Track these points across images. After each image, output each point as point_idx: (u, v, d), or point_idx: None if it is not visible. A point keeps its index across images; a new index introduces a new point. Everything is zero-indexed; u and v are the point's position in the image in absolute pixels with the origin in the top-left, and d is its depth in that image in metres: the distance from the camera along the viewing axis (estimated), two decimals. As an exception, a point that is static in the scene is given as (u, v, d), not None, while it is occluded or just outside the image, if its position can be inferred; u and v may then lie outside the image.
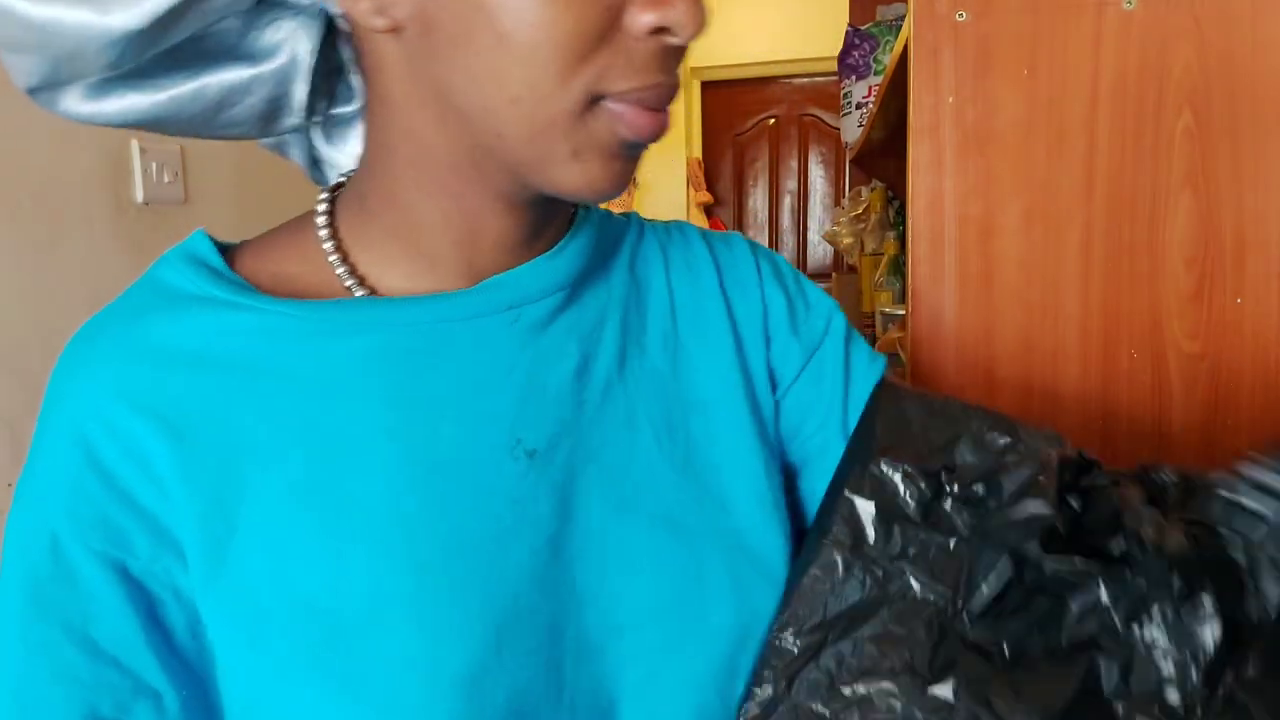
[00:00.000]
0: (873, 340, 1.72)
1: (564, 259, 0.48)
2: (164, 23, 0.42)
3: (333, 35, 0.47)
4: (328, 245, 0.48)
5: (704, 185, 4.75)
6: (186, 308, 0.45)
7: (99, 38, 0.41)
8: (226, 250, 0.50)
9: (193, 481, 0.43)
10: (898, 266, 1.67)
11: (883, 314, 1.59)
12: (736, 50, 4.54)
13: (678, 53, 0.41)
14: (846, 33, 1.73)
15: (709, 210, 4.82)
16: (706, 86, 4.76)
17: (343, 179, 0.51)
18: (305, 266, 0.48)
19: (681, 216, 4.55)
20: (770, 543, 0.50)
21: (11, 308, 1.32)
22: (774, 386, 0.54)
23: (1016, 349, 0.64)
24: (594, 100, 0.40)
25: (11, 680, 0.44)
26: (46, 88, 0.45)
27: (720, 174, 4.90)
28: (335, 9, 0.44)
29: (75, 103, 0.46)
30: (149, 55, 0.44)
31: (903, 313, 1.45)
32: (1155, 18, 0.60)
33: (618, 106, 0.41)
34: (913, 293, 0.65)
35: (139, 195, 1.52)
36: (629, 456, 0.48)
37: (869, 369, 0.55)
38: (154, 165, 1.54)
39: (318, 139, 0.53)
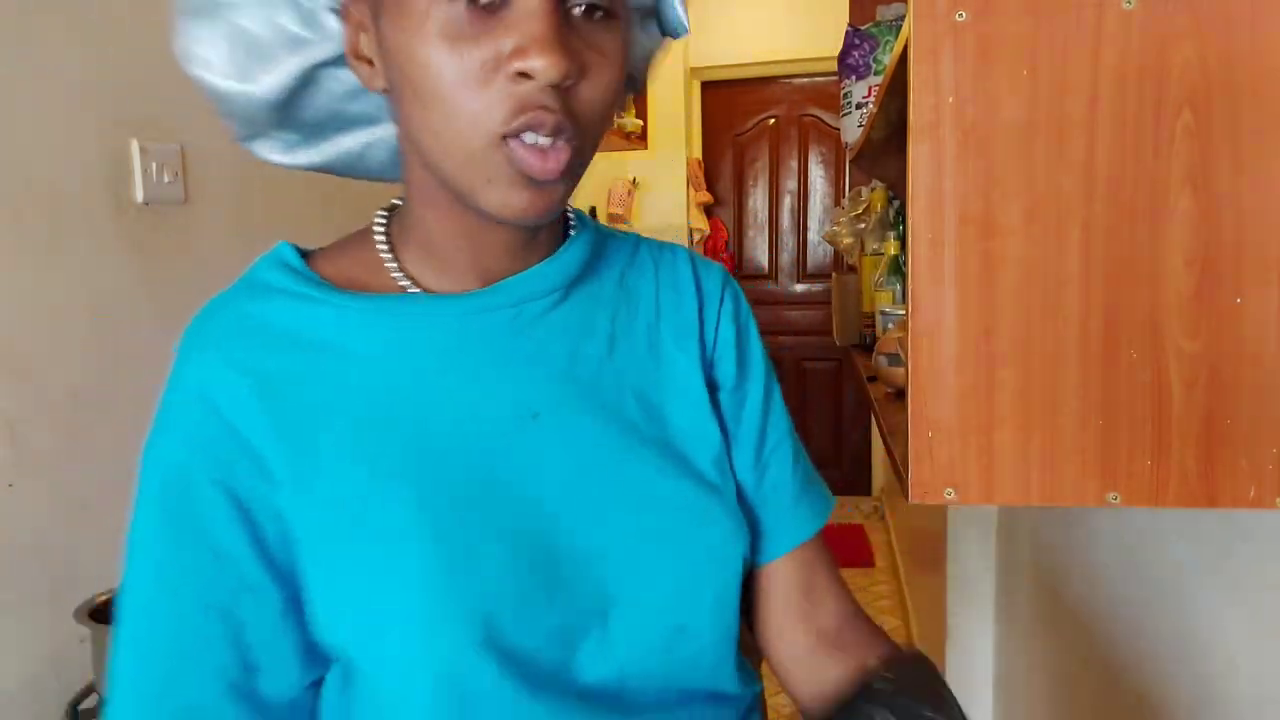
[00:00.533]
0: (873, 340, 1.72)
1: (556, 268, 0.64)
2: (290, 96, 0.61)
3: None
4: (384, 250, 0.64)
5: (704, 185, 4.74)
6: (277, 299, 0.61)
7: (252, 103, 0.60)
8: (306, 255, 0.65)
9: (278, 428, 0.58)
10: (898, 266, 1.67)
11: (883, 314, 1.58)
12: (736, 50, 4.53)
13: (559, 90, 0.52)
14: (846, 33, 1.73)
15: (709, 210, 4.82)
16: (706, 86, 4.76)
17: (397, 201, 0.66)
18: (366, 268, 0.63)
19: (681, 216, 4.55)
20: (728, 489, 0.66)
21: (11, 308, 1.32)
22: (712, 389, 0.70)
23: (1016, 349, 0.64)
24: (502, 139, 0.53)
25: (152, 575, 0.57)
26: (246, 140, 0.65)
27: (720, 174, 4.89)
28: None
29: (273, 154, 0.66)
30: (302, 121, 0.63)
31: (903, 313, 1.45)
32: (1155, 17, 0.60)
33: (514, 144, 0.53)
34: (913, 293, 0.65)
35: (139, 195, 1.52)
36: (619, 416, 0.63)
37: (781, 418, 0.73)
38: (154, 165, 1.54)
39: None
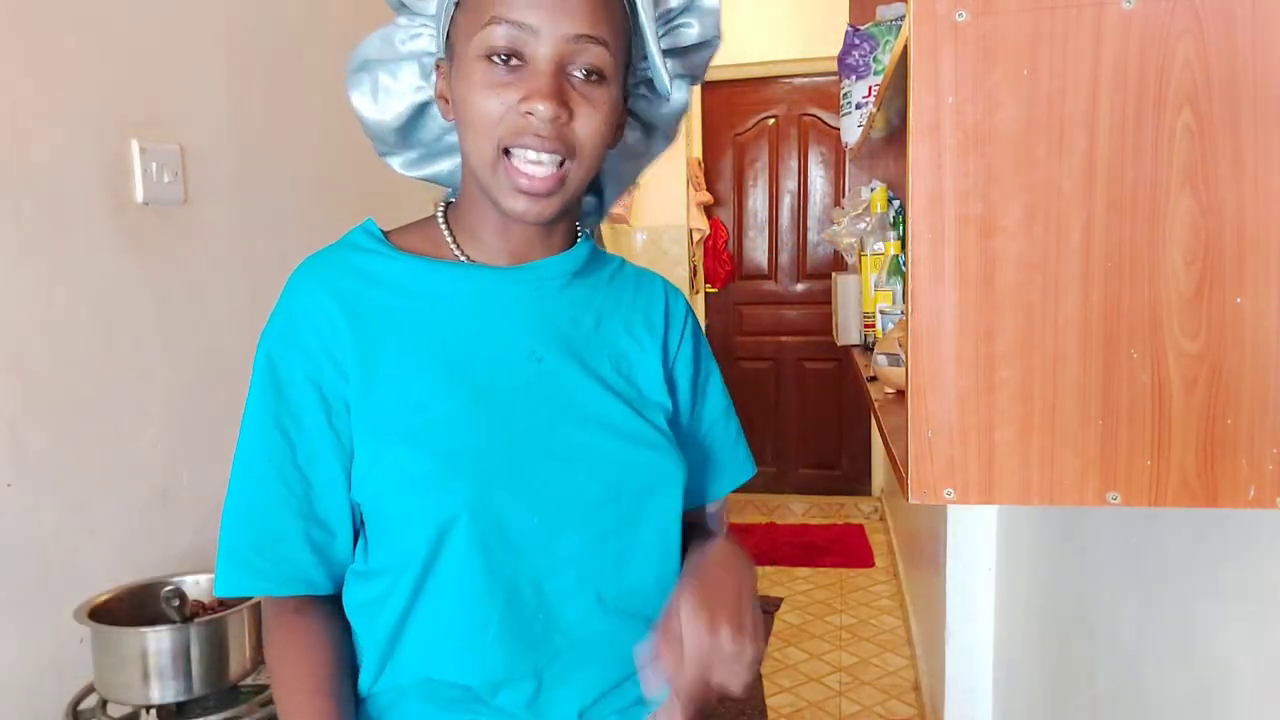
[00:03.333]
0: (873, 340, 1.72)
1: (565, 261, 0.88)
2: (409, 123, 0.89)
3: None
4: (445, 232, 0.88)
5: (704, 185, 4.74)
6: (367, 255, 0.85)
7: (382, 125, 0.89)
8: (385, 233, 0.88)
9: (357, 341, 0.80)
10: (898, 266, 1.67)
11: (883, 314, 1.58)
12: (736, 50, 4.52)
13: (552, 126, 0.76)
14: (846, 33, 1.73)
15: (709, 210, 4.81)
16: (706, 86, 4.75)
17: (448, 200, 0.92)
18: (429, 243, 0.88)
19: (681, 216, 4.55)
20: (671, 438, 0.88)
21: (12, 308, 1.32)
22: (673, 384, 0.95)
23: (1016, 349, 0.64)
24: (504, 152, 0.78)
25: (260, 427, 0.81)
26: (383, 155, 0.93)
27: (720, 174, 4.89)
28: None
29: (399, 167, 0.93)
30: (418, 142, 0.91)
31: (903, 313, 1.45)
32: (1155, 17, 0.60)
33: (511, 161, 0.78)
34: (913, 293, 0.65)
35: (139, 195, 1.52)
36: (596, 371, 0.87)
37: (727, 397, 1.02)
38: (154, 165, 1.54)
39: None
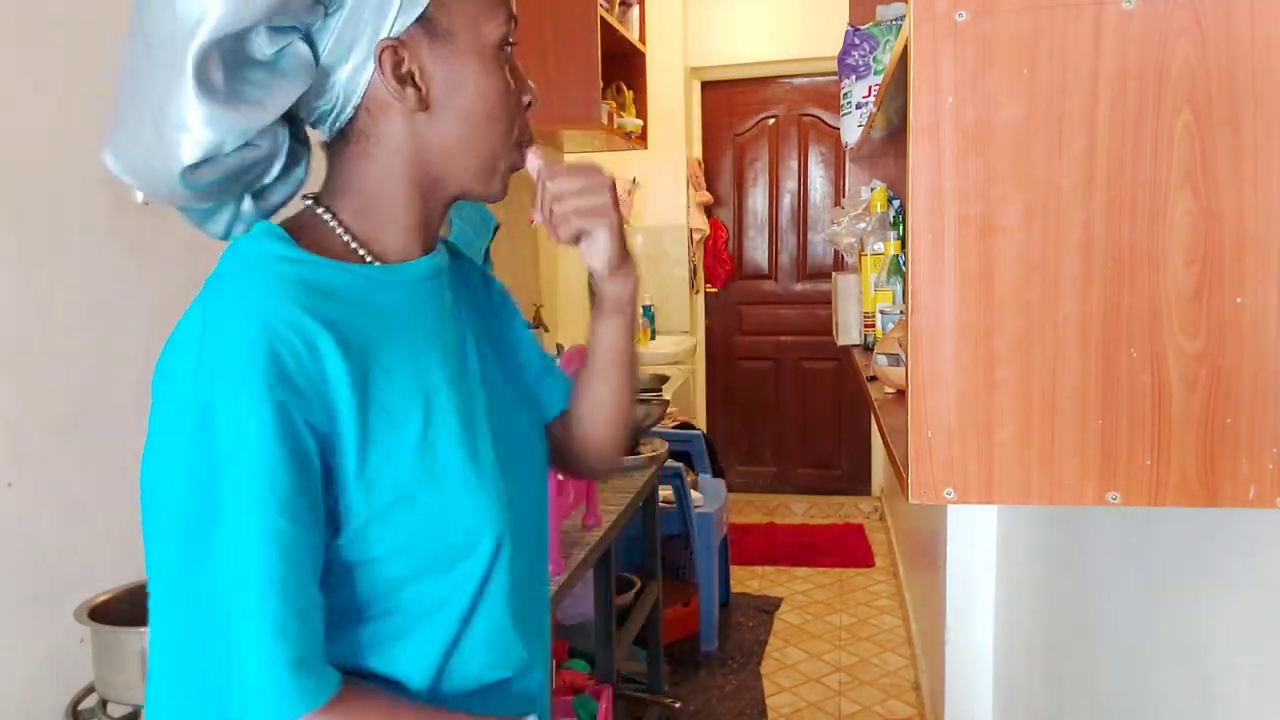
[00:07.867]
0: (873, 340, 1.72)
1: (446, 244, 0.87)
2: (201, 165, 0.71)
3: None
4: (341, 233, 0.78)
5: (704, 185, 4.74)
6: (301, 265, 0.72)
7: (171, 174, 0.72)
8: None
9: (350, 373, 0.69)
10: (898, 266, 1.67)
11: (883, 314, 1.58)
12: (736, 50, 4.53)
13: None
14: (846, 33, 1.72)
15: (709, 210, 4.81)
16: (706, 86, 4.75)
17: (313, 196, 0.81)
18: (333, 246, 0.77)
19: (681, 216, 4.55)
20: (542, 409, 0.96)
21: (12, 308, 1.32)
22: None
23: (1016, 349, 0.64)
24: (516, 144, 0.80)
25: (260, 514, 0.64)
26: (204, 222, 0.79)
27: (720, 174, 4.89)
28: (390, 94, 0.74)
29: (222, 221, 0.80)
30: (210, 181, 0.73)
31: (903, 313, 1.45)
32: (1155, 17, 0.60)
33: (517, 149, 0.81)
34: (913, 293, 0.65)
35: (139, 195, 1.52)
36: (498, 350, 0.89)
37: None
38: (154, 165, 1.53)
39: (246, 202, 0.80)
